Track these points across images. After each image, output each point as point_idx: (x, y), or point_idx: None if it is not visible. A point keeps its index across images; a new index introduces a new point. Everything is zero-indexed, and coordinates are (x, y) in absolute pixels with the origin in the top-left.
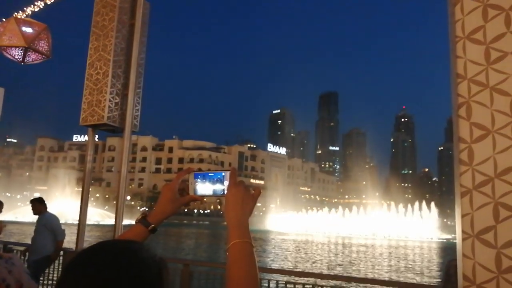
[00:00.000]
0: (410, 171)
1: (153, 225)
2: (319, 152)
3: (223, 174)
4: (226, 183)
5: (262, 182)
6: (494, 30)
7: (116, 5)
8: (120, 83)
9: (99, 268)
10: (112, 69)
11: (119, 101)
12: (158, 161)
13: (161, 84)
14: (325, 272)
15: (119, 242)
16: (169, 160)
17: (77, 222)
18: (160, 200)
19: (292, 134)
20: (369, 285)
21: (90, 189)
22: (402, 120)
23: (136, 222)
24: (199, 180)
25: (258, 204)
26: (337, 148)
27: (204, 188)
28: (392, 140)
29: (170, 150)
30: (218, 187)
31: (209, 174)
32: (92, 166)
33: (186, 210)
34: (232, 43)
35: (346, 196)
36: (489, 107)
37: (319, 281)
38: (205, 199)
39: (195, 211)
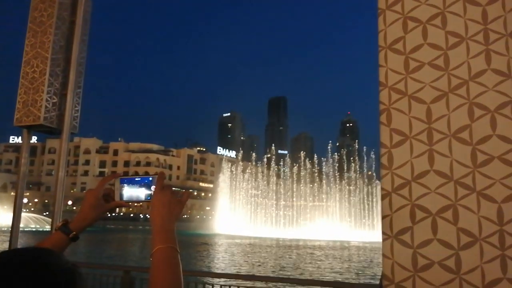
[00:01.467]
0: (355, 174)
1: (74, 233)
2: (268, 155)
3: (151, 178)
4: (154, 188)
5: (211, 185)
6: (412, 41)
7: (55, 1)
8: (58, 82)
9: (3, 277)
10: (50, 67)
11: (57, 101)
12: (102, 164)
13: (107, 85)
14: (271, 275)
15: (27, 250)
16: (114, 163)
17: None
18: (83, 206)
19: (242, 138)
20: (311, 286)
21: (28, 193)
22: (347, 125)
23: (55, 229)
24: (125, 185)
25: (207, 208)
26: (286, 152)
27: (130, 193)
28: (337, 144)
29: (115, 152)
30: (145, 192)
31: (136, 179)
32: (30, 169)
33: (132, 215)
34: (182, 46)
35: (294, 199)
36: (407, 114)
37: (262, 284)
38: (132, 204)
39: (141, 216)
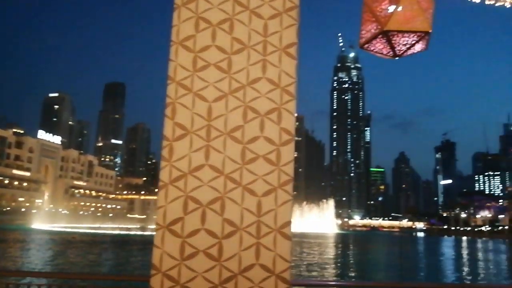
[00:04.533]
0: None
1: None
2: (100, 144)
3: None
4: None
5: (28, 173)
6: (202, 41)
7: None
8: None
9: None
10: None
11: None
12: None
13: None
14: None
15: None
16: None
17: None
18: None
19: (70, 123)
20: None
21: None
22: None
23: None
24: None
25: (21, 199)
26: (120, 142)
27: None
28: None
29: None
30: None
31: None
32: None
33: None
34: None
35: (125, 192)
36: (190, 109)
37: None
38: None
39: None
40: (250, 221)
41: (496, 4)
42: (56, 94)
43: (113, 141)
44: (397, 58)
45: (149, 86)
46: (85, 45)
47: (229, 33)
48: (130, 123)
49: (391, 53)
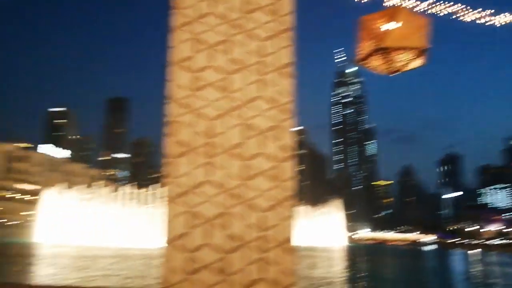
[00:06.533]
0: None
1: None
2: (106, 158)
3: None
4: None
5: (38, 187)
6: (199, 61)
7: None
8: None
9: None
10: None
11: None
12: None
13: None
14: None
15: None
16: None
17: None
18: None
19: (75, 137)
20: None
21: None
22: None
23: None
24: None
25: (27, 212)
26: (124, 156)
27: None
28: None
29: None
30: None
31: None
32: None
33: None
34: (13, 29)
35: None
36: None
37: None
38: None
39: None
40: None
41: (487, 24)
42: (59, 109)
43: (117, 155)
44: (393, 74)
45: (152, 101)
46: (86, 61)
47: (225, 54)
48: (134, 137)
49: (388, 69)
